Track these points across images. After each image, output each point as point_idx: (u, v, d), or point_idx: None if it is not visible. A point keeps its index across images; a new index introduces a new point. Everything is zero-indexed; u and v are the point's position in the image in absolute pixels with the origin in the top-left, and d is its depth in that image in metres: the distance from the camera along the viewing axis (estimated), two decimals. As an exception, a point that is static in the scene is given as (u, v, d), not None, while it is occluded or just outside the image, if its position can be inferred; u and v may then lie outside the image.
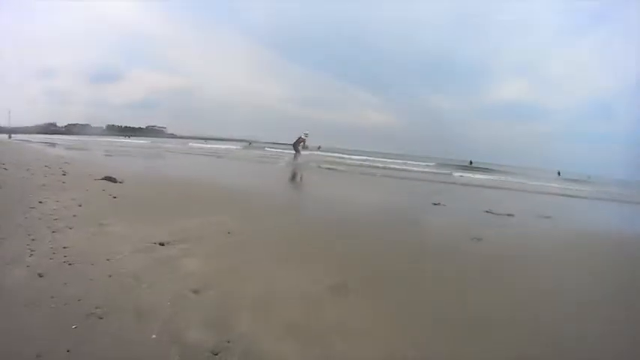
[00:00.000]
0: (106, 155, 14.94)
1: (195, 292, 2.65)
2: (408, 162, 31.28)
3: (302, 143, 19.14)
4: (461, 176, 22.43)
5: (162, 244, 3.52)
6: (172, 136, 69.52)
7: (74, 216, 4.11)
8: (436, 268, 3.92)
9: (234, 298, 2.61)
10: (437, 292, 3.24)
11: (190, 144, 39.63)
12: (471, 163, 42.62)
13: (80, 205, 4.59)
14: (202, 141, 50.92)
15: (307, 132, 19.55)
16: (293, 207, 7.23)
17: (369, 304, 2.77)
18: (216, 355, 2.01)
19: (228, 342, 2.11)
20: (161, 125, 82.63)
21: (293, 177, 13.88)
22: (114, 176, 6.81)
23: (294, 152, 19.60)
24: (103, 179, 6.63)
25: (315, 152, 21.35)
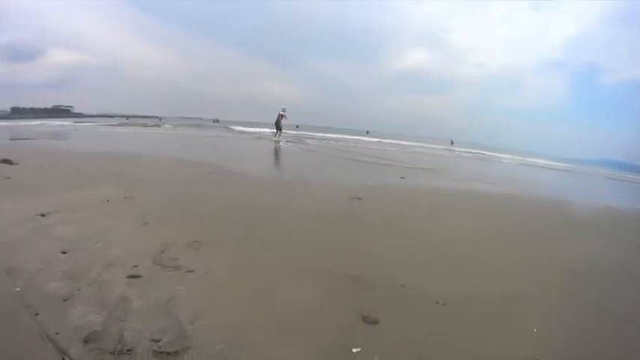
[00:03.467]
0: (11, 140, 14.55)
1: (64, 252, 3.13)
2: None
3: (282, 119, 19.54)
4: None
5: (43, 215, 4.02)
6: (80, 115, 67.93)
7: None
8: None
9: (95, 256, 3.08)
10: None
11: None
12: (367, 132, 49.12)
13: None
14: (125, 119, 47.21)
15: (284, 107, 19.63)
16: (189, 179, 7.31)
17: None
18: (66, 300, 2.40)
19: (79, 290, 2.53)
20: (67, 104, 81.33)
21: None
22: (10, 158, 7.47)
23: (275, 130, 19.89)
24: (-2, 162, 7.33)
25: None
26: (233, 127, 30.64)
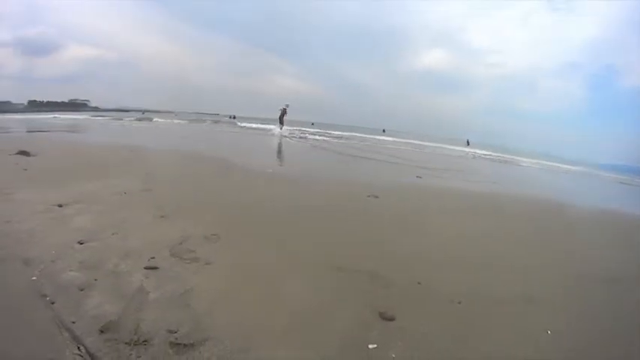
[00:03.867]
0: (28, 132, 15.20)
1: (81, 243, 3.16)
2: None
3: (284, 115, 21.11)
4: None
5: (60, 206, 4.07)
6: (96, 109, 68.22)
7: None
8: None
9: (112, 248, 3.12)
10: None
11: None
12: (384, 131, 49.51)
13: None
14: (141, 113, 45.60)
15: (288, 103, 21.09)
16: (199, 172, 7.51)
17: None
18: (82, 290, 2.42)
19: (96, 280, 2.56)
20: (84, 99, 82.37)
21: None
22: (28, 150, 7.58)
23: (279, 124, 21.46)
24: (17, 154, 7.34)
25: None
26: (247, 125, 30.52)
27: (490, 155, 28.12)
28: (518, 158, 30.00)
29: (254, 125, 28.89)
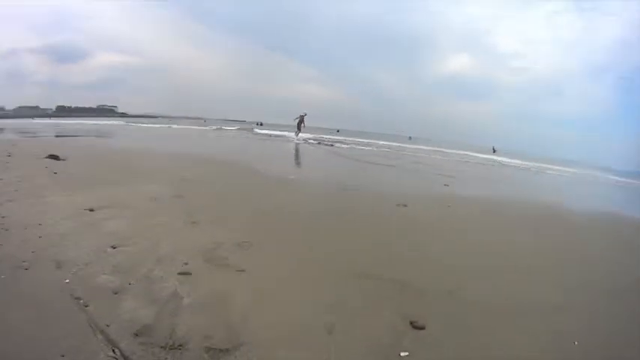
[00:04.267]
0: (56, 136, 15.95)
1: (114, 247, 3.22)
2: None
3: (302, 123, 21.73)
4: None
5: (91, 210, 4.18)
6: (123, 115, 70.83)
7: (15, 191, 4.80)
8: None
9: (145, 253, 3.17)
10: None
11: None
12: (410, 138, 49.24)
13: (21, 181, 5.38)
14: (168, 120, 49.59)
15: (306, 112, 21.80)
16: (226, 178, 7.69)
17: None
18: (116, 294, 2.46)
19: (130, 284, 2.61)
20: (111, 104, 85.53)
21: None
22: (58, 154, 7.80)
23: (297, 131, 22.22)
24: (47, 157, 7.54)
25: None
26: (267, 132, 30.90)
27: (515, 163, 27.48)
28: (545, 166, 29.17)
29: (276, 132, 29.20)
